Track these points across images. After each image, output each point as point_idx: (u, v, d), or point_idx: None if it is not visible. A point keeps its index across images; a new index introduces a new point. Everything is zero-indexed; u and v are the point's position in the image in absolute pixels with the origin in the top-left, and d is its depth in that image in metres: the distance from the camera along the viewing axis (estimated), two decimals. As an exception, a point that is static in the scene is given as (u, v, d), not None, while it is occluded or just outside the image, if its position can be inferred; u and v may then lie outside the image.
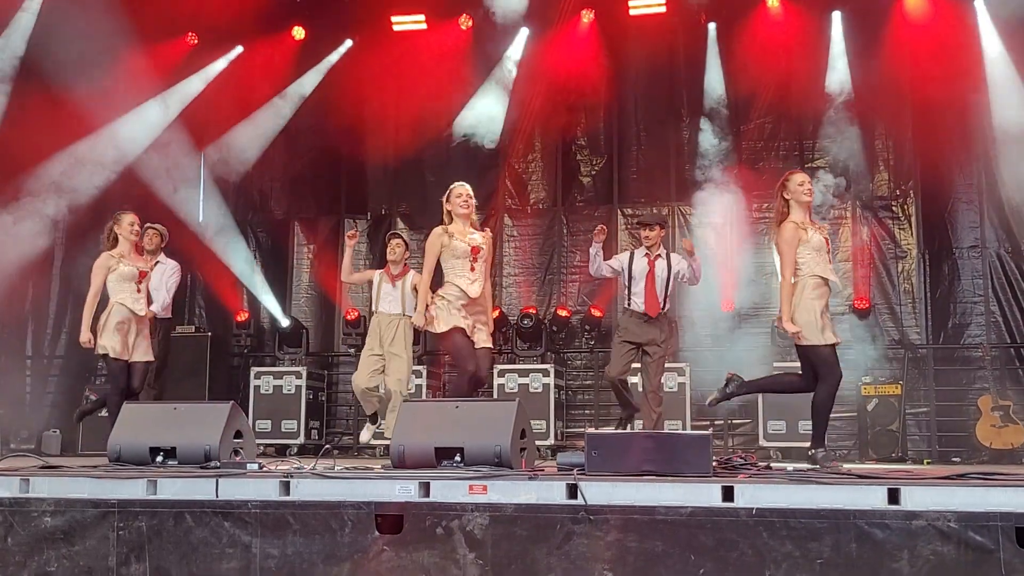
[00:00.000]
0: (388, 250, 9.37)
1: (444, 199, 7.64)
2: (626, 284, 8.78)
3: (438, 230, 7.54)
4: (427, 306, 7.47)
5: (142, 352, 8.39)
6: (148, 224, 9.49)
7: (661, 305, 8.65)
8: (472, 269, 7.45)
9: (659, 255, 8.73)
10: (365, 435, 9.29)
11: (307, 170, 13.90)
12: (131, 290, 8.29)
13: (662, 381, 8.99)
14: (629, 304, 8.75)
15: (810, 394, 7.05)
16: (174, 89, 12.98)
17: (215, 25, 12.36)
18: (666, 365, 10.55)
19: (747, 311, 12.00)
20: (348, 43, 13.35)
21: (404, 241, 9.46)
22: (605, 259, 8.97)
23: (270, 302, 13.33)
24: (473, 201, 7.60)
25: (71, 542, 5.15)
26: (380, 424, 9.11)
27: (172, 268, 9.90)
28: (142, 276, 8.38)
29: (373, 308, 9.36)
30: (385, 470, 5.67)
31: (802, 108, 12.12)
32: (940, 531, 4.37)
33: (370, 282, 9.51)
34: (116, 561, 5.09)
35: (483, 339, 7.48)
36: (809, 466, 6.78)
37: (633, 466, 5.14)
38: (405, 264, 9.36)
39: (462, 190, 7.61)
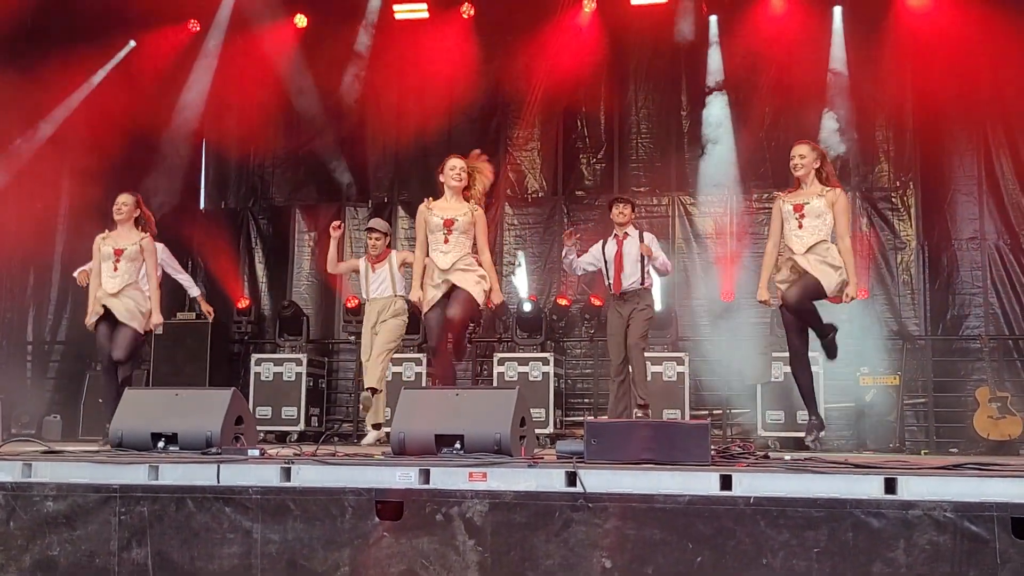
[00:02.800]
0: (369, 244, 9.46)
1: (438, 171, 7.73)
2: (605, 271, 8.92)
3: (421, 206, 7.69)
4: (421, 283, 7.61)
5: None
6: None
7: (636, 280, 8.76)
8: (446, 241, 7.51)
9: (627, 234, 8.87)
10: (369, 439, 9.33)
11: (308, 157, 13.91)
12: (108, 269, 8.45)
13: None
14: (611, 290, 8.92)
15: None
16: (175, 75, 12.98)
17: (218, 12, 12.38)
18: (665, 354, 10.76)
19: (747, 301, 12.01)
20: (349, 30, 13.35)
21: (383, 232, 9.54)
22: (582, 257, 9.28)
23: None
24: (466, 174, 7.62)
25: (73, 526, 5.18)
26: (381, 427, 9.23)
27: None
28: (117, 254, 8.45)
29: (364, 296, 9.46)
30: (386, 457, 5.70)
31: (802, 99, 12.10)
32: (936, 521, 4.40)
33: (357, 271, 9.65)
34: (118, 546, 5.11)
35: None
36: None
37: (632, 454, 5.16)
38: (386, 251, 9.50)
39: (455, 162, 7.68)
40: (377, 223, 9.72)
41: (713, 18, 12.59)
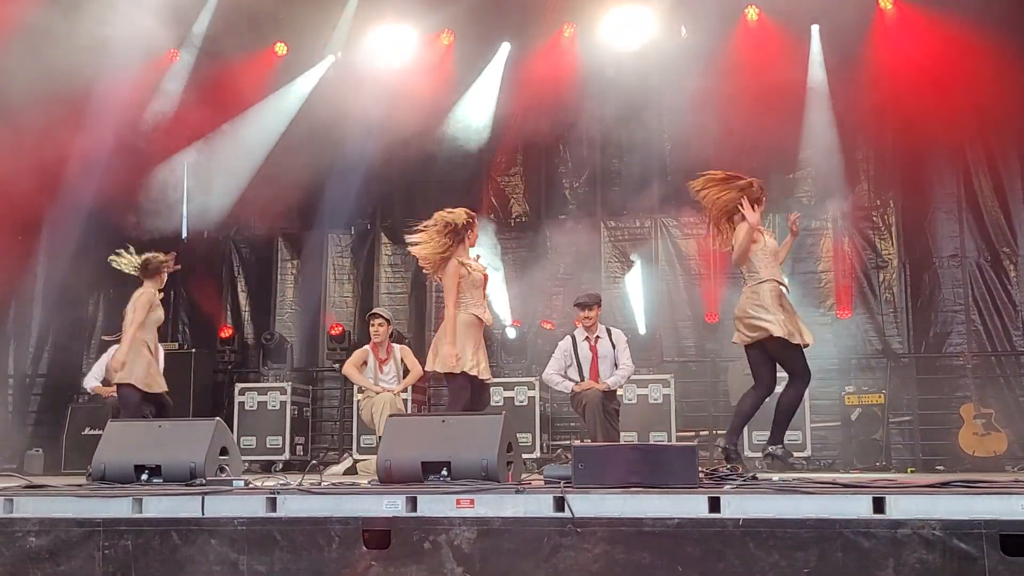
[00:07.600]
0: (372, 331, 9.86)
1: (461, 224, 7.47)
2: (577, 367, 9.08)
3: (455, 263, 7.41)
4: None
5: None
6: None
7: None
8: (484, 297, 7.63)
9: (598, 336, 9.05)
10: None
11: (291, 185, 13.87)
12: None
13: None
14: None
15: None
16: (156, 104, 12.93)
17: (197, 41, 12.37)
18: (651, 376, 10.86)
19: (731, 322, 11.98)
20: (331, 58, 13.37)
21: (386, 319, 9.89)
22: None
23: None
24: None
25: (56, 562, 5.11)
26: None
27: None
28: None
29: (373, 387, 9.80)
30: (372, 485, 5.66)
31: (783, 119, 12.14)
32: (925, 539, 4.39)
33: (366, 363, 9.97)
34: (102, 580, 5.06)
35: (486, 372, 7.58)
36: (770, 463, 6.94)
37: (620, 478, 5.14)
38: (388, 342, 9.93)
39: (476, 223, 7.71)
40: (381, 311, 10.14)
41: (691, 40, 12.61)
